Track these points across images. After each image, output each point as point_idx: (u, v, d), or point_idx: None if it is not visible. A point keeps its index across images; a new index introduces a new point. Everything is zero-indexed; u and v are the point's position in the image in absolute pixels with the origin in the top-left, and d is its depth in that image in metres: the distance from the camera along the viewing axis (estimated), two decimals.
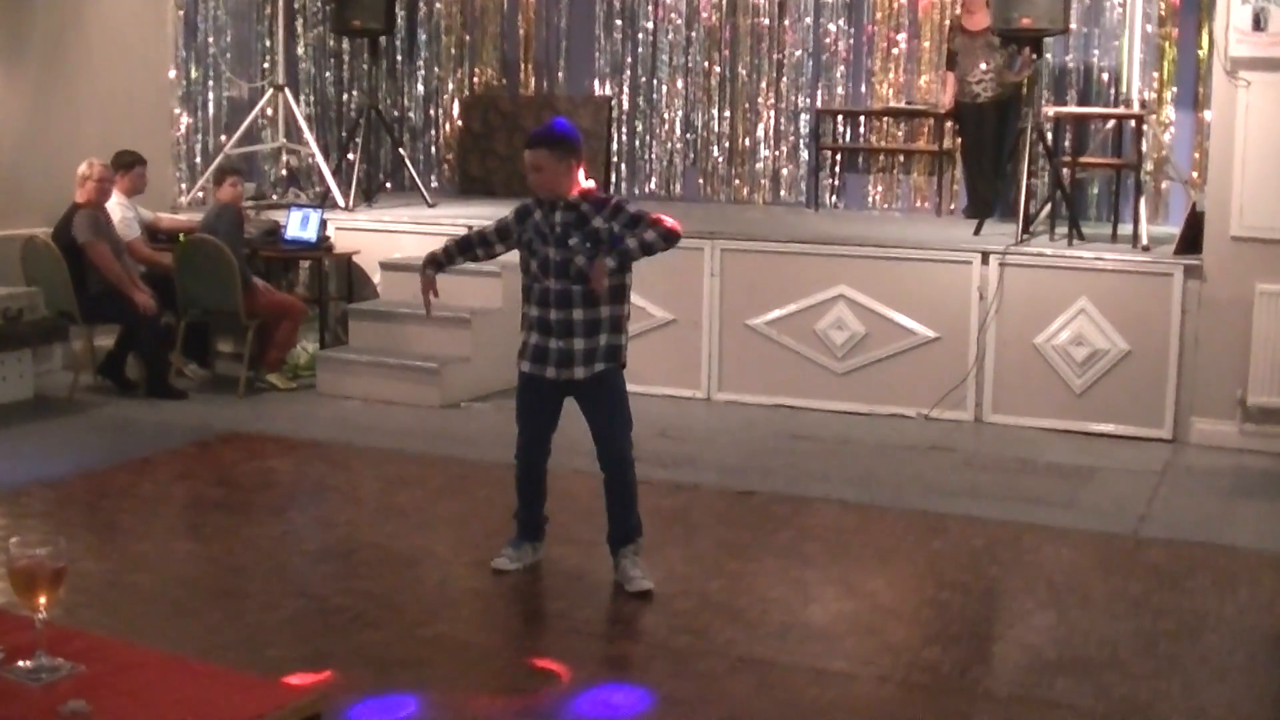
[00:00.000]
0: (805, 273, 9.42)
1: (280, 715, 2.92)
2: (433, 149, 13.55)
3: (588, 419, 5.97)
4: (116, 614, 5.56)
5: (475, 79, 13.37)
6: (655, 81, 12.70)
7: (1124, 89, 10.71)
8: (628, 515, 5.97)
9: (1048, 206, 9.83)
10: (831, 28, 12.09)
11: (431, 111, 13.52)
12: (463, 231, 6.94)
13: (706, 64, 12.53)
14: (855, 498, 7.43)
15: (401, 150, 12.45)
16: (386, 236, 10.78)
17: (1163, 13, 10.83)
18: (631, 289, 5.97)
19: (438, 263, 6.25)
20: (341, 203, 11.22)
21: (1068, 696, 4.96)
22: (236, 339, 10.07)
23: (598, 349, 5.82)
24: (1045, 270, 8.95)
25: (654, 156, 12.74)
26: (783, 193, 12.35)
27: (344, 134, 12.96)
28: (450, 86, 13.42)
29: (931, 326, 9.14)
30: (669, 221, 5.78)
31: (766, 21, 12.28)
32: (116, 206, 9.65)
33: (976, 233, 9.65)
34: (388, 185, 13.04)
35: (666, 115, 12.68)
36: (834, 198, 12.16)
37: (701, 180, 12.60)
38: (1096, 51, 11.17)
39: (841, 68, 12.11)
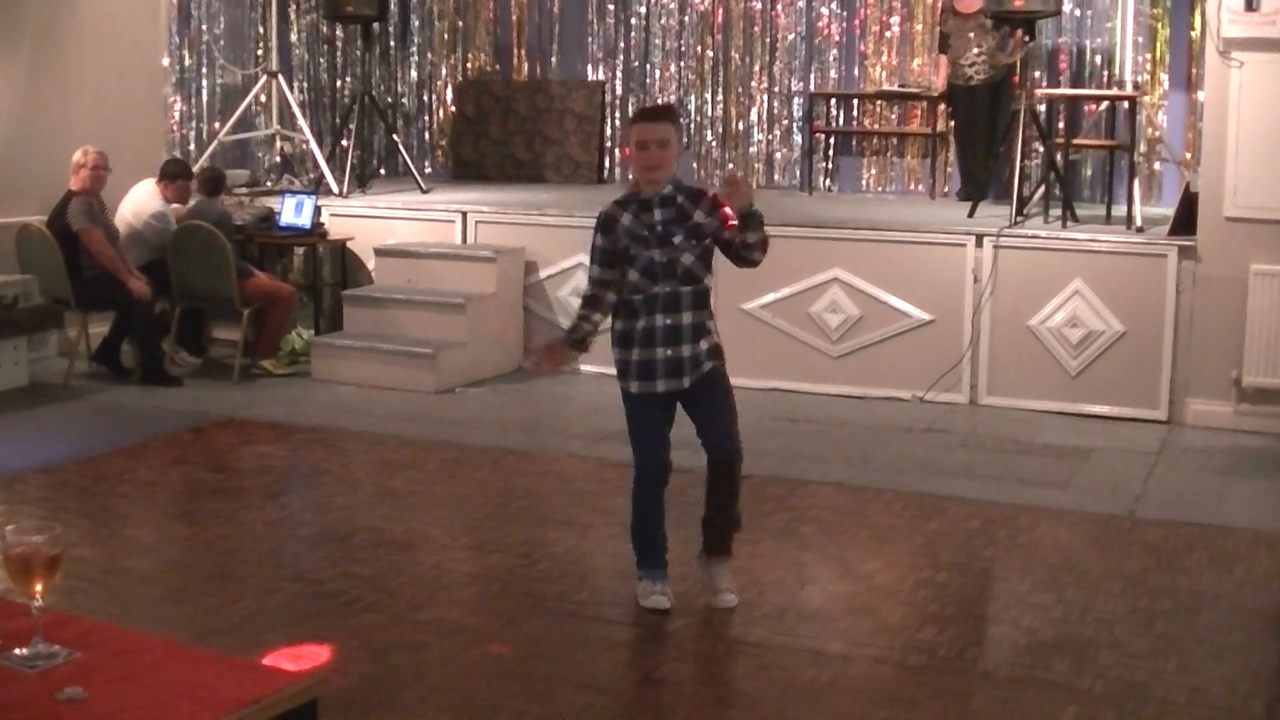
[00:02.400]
0: (799, 256, 9.41)
1: (277, 699, 2.92)
2: (426, 134, 13.55)
3: (697, 418, 5.49)
4: (113, 599, 5.56)
5: (468, 64, 13.37)
6: (648, 66, 12.69)
7: (1117, 70, 10.72)
8: (728, 514, 5.53)
9: (1041, 188, 9.83)
10: (824, 11, 12.08)
11: (425, 97, 13.52)
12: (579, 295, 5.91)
13: (699, 48, 12.52)
14: (851, 480, 7.43)
15: (395, 136, 12.44)
16: (381, 222, 10.77)
17: None
18: None
19: (583, 341, 5.52)
20: (335, 189, 11.21)
21: (1065, 676, 4.96)
22: (231, 325, 10.06)
23: (702, 353, 5.44)
24: (1039, 252, 8.95)
25: None
26: (776, 176, 12.35)
27: (337, 120, 12.94)
28: (443, 72, 13.42)
29: (926, 309, 9.14)
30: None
31: (759, 5, 12.27)
32: (165, 211, 9.69)
33: (970, 215, 9.65)
34: (381, 171, 13.04)
35: (660, 100, 12.65)
36: (828, 181, 12.16)
37: (695, 164, 12.58)
38: (1089, 33, 11.16)
39: (834, 51, 12.11)
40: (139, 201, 9.79)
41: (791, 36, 12.21)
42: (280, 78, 11.98)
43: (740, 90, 12.41)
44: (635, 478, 5.54)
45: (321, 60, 13.37)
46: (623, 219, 5.42)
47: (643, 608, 5.50)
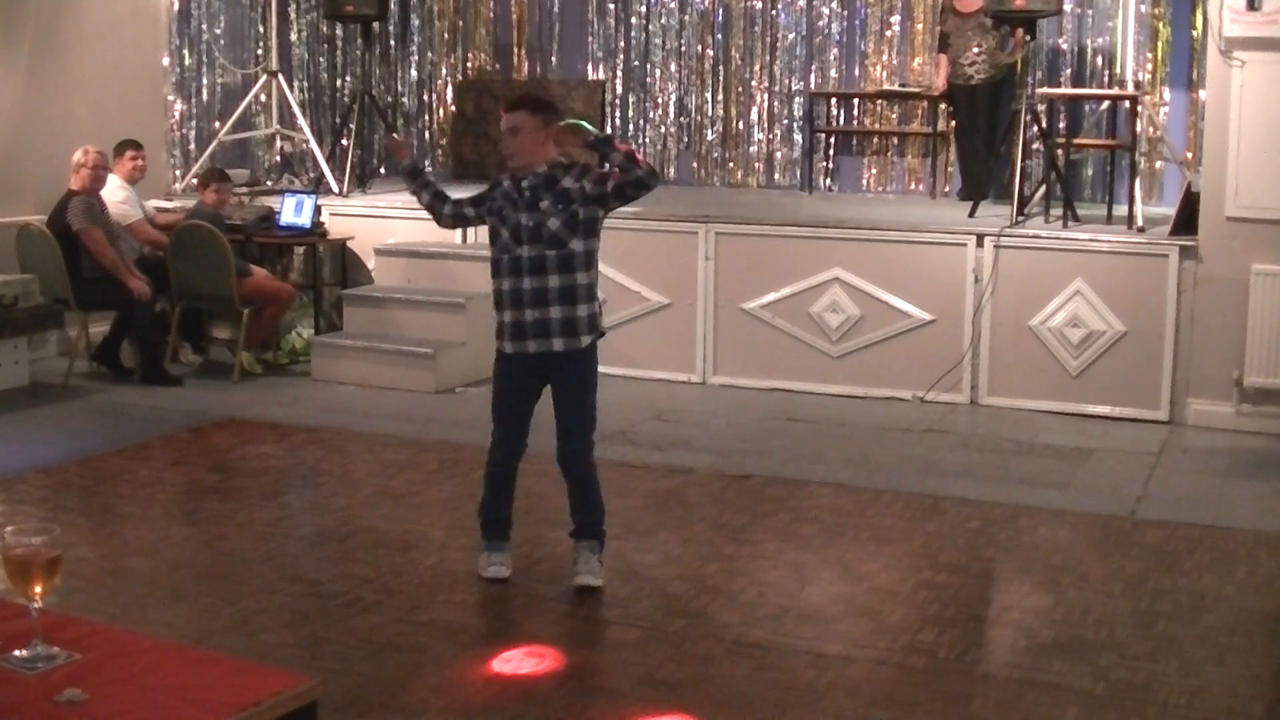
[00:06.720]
0: (800, 256, 9.41)
1: (276, 701, 2.91)
2: (426, 134, 13.54)
3: (557, 405, 5.77)
4: (112, 599, 5.56)
5: (468, 64, 13.36)
6: (648, 65, 12.69)
7: (1118, 70, 10.71)
8: (587, 512, 5.83)
9: (1042, 188, 9.83)
10: (824, 10, 12.07)
11: (425, 96, 13.51)
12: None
13: (700, 47, 12.51)
14: (851, 480, 7.43)
15: (395, 135, 12.42)
16: (380, 222, 10.78)
17: None
18: (599, 267, 5.78)
19: (411, 175, 6.11)
20: (335, 188, 11.20)
21: (1065, 678, 4.96)
22: (231, 325, 10.05)
23: (578, 320, 5.62)
24: (1040, 252, 8.95)
25: (647, 140, 12.72)
26: (777, 176, 12.35)
27: (337, 119, 12.93)
28: (443, 71, 13.41)
29: (927, 309, 9.13)
30: (644, 163, 5.57)
31: (759, 4, 12.26)
32: (118, 189, 9.66)
33: (971, 215, 9.64)
34: (381, 170, 13.03)
35: (660, 99, 12.66)
36: (828, 180, 12.15)
37: (695, 164, 12.59)
38: (1090, 32, 11.15)
39: (835, 50, 12.10)
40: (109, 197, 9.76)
41: (792, 36, 12.20)
42: (280, 77, 11.98)
43: (740, 90, 12.41)
44: (493, 448, 5.91)
45: (321, 60, 13.37)
46: (504, 183, 5.74)
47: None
